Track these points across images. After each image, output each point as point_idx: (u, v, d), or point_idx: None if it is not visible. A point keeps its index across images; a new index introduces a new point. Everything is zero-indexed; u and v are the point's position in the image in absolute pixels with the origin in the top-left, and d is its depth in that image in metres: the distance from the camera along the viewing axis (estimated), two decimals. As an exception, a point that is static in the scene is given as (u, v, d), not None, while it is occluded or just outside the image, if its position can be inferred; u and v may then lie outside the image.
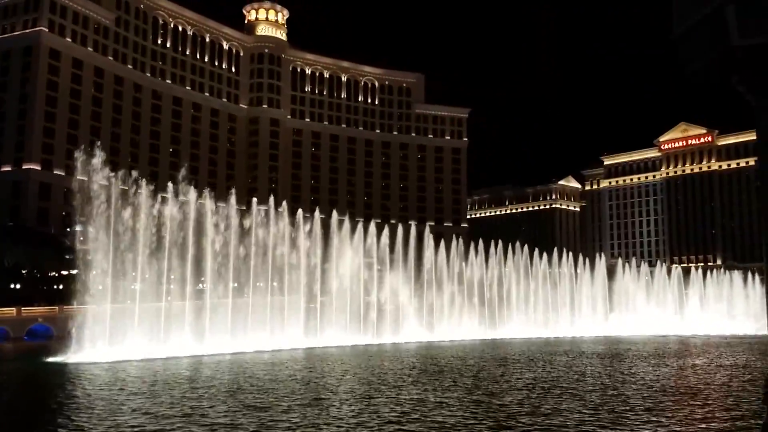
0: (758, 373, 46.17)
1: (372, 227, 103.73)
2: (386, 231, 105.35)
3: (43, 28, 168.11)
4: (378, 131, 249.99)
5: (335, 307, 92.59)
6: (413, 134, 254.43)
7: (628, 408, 31.55)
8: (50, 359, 61.63)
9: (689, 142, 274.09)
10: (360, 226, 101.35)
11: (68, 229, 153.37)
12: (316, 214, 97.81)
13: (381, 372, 49.87)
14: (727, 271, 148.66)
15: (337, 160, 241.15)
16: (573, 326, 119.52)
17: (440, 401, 34.36)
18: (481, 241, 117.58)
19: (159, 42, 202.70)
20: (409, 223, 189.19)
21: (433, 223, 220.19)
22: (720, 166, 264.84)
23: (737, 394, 36.31)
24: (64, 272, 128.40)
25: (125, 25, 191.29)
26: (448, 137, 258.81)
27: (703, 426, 27.19)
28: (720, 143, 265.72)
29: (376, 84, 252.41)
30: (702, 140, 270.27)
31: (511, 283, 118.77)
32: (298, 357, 66.31)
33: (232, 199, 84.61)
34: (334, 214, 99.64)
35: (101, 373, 50.35)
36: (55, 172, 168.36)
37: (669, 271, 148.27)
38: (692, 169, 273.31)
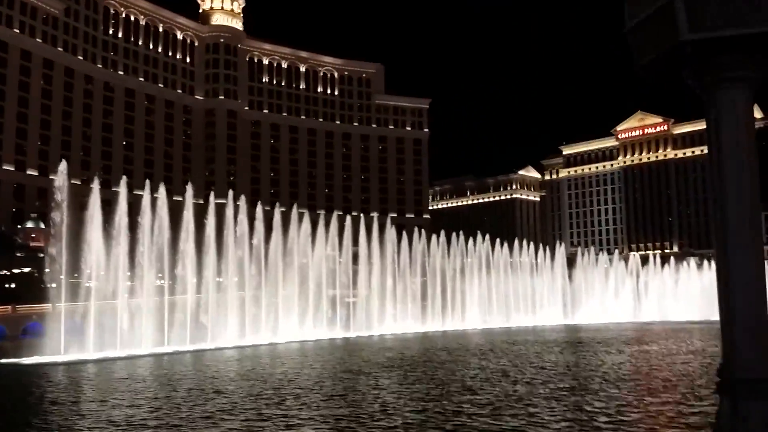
0: (712, 359, 47.26)
1: (334, 219, 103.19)
2: (348, 223, 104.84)
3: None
4: (338, 122, 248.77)
5: (298, 302, 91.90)
6: (374, 125, 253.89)
7: (585, 394, 31.89)
8: (3, 360, 59.82)
9: (646, 131, 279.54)
10: (321, 219, 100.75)
11: (19, 226, 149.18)
12: (277, 207, 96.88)
13: (348, 365, 49.59)
14: (684, 258, 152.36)
15: (297, 152, 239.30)
16: (533, 316, 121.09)
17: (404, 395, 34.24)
18: (442, 233, 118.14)
19: (110, 32, 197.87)
20: (371, 214, 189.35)
21: (395, 215, 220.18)
22: (676, 155, 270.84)
23: (692, 381, 37.01)
24: (16, 270, 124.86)
25: (75, 15, 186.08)
26: (409, 128, 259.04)
27: (661, 413, 27.59)
28: (676, 132, 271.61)
29: (336, 74, 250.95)
30: (658, 129, 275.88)
31: (472, 274, 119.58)
32: (261, 353, 65.62)
33: (189, 193, 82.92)
34: (295, 207, 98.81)
35: (57, 374, 49.02)
36: (4, 167, 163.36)
37: (626, 259, 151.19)
38: (649, 158, 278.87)
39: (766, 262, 9.11)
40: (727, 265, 8.51)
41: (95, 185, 72.45)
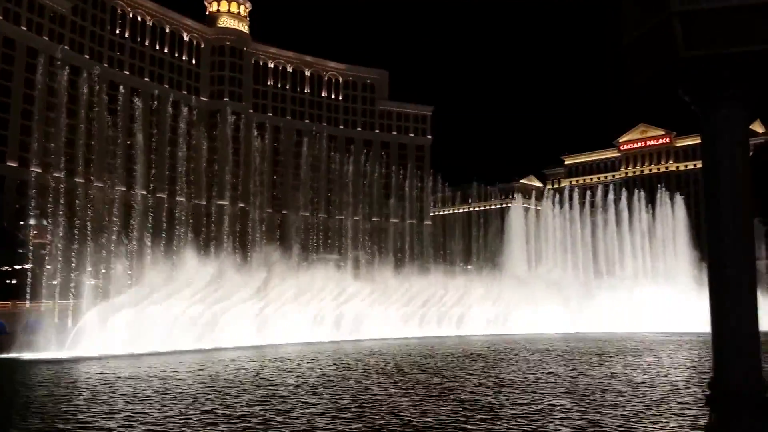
0: (707, 372, 47.22)
1: (336, 223, 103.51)
2: (350, 227, 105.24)
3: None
4: (341, 127, 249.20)
5: (301, 305, 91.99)
6: (377, 131, 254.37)
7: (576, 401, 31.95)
8: (2, 356, 59.95)
9: (648, 143, 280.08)
10: (323, 222, 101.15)
11: (21, 223, 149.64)
12: (279, 209, 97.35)
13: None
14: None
15: (299, 155, 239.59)
16: (535, 323, 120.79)
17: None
18: (443, 239, 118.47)
19: (117, 32, 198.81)
20: (373, 219, 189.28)
21: (396, 221, 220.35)
22: (678, 167, 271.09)
23: (685, 394, 37.05)
24: (18, 266, 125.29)
25: (82, 14, 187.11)
26: (412, 134, 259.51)
27: (647, 427, 27.65)
28: (678, 144, 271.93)
29: (340, 80, 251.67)
30: (660, 141, 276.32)
31: (473, 281, 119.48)
32: (267, 354, 65.67)
33: (191, 194, 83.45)
34: (298, 209, 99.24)
35: (55, 371, 49.13)
36: (8, 164, 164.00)
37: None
38: (651, 170, 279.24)
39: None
40: (719, 279, 8.63)
41: (96, 183, 72.88)
